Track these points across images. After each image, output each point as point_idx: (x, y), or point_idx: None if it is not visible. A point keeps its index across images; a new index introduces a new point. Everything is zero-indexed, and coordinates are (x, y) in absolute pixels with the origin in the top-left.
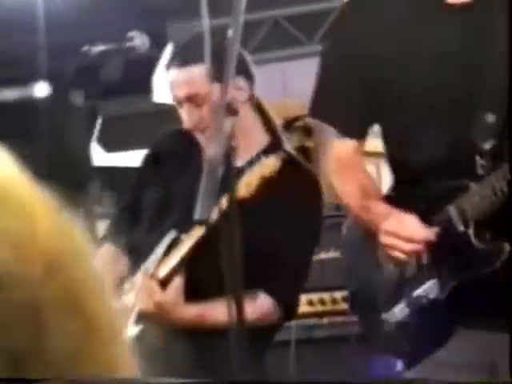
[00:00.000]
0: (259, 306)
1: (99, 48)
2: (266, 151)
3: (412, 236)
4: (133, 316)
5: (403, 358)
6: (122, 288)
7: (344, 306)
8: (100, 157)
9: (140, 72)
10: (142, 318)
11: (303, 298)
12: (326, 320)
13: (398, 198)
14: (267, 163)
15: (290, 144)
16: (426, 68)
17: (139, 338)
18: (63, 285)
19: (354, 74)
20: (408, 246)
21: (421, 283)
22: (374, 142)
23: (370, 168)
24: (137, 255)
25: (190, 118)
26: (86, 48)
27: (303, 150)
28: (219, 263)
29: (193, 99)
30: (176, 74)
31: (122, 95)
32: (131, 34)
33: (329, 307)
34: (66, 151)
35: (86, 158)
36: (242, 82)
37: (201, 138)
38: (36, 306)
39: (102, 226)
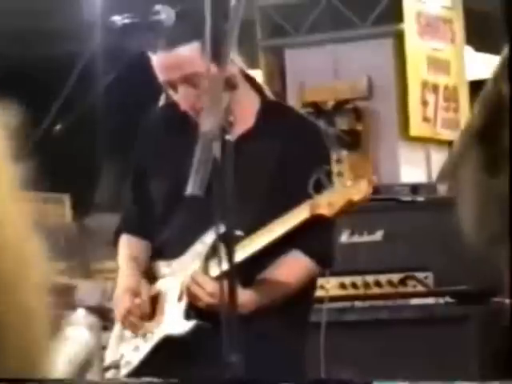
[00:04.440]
0: (297, 267)
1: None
2: (263, 110)
3: None
4: (183, 312)
5: None
6: (158, 273)
7: (376, 290)
8: None
9: None
10: (194, 312)
11: (335, 281)
12: (357, 304)
13: None
14: (358, 187)
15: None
16: None
17: (194, 332)
18: None
19: None
20: None
21: None
22: (423, 126)
23: (419, 154)
24: (162, 243)
25: (187, 98)
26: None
27: (353, 133)
28: None
29: (189, 79)
30: (165, 57)
31: None
32: (157, 7)
33: (361, 291)
34: None
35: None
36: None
37: (196, 118)
38: None
39: None
